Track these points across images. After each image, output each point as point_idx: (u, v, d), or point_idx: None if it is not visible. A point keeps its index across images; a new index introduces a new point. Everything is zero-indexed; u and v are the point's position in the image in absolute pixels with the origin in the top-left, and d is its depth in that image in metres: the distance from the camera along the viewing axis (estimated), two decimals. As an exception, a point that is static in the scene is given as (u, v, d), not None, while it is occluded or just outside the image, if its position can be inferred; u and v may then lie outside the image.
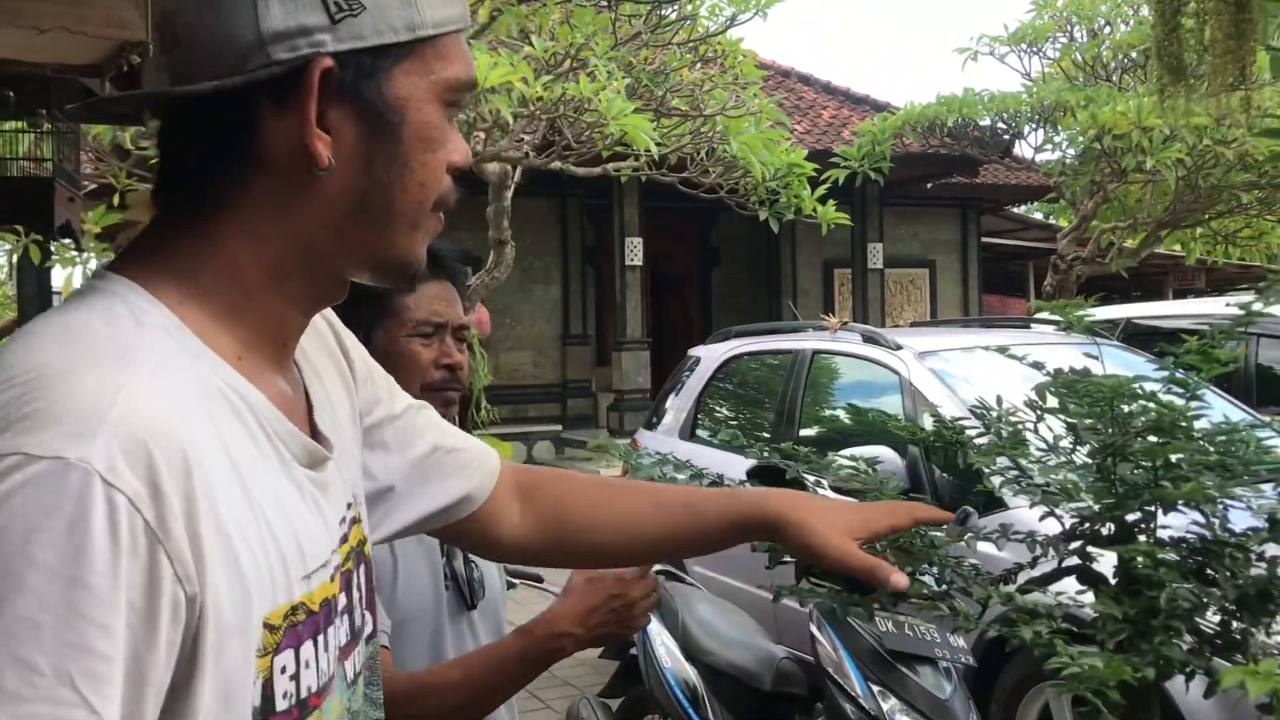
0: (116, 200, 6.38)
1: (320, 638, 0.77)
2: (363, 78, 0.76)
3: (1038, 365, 1.42)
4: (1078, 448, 1.65)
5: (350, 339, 1.00)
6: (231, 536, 0.68)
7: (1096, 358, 1.45)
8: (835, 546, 1.04)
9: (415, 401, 1.09)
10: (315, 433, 0.85)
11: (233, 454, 0.71)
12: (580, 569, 1.49)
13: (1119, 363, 3.88)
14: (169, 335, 0.73)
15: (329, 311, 0.96)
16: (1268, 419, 3.32)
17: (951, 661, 2.92)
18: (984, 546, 1.70)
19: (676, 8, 7.95)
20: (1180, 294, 17.09)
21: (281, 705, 0.72)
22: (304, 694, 0.75)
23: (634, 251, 12.22)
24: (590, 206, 13.46)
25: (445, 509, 1.06)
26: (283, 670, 0.73)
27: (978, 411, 1.82)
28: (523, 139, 7.89)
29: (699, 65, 8.15)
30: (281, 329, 0.82)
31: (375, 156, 0.77)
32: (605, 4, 7.43)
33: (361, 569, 0.89)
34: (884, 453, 4.14)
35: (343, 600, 0.83)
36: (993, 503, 3.85)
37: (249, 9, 0.73)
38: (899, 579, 1.03)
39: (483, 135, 7.23)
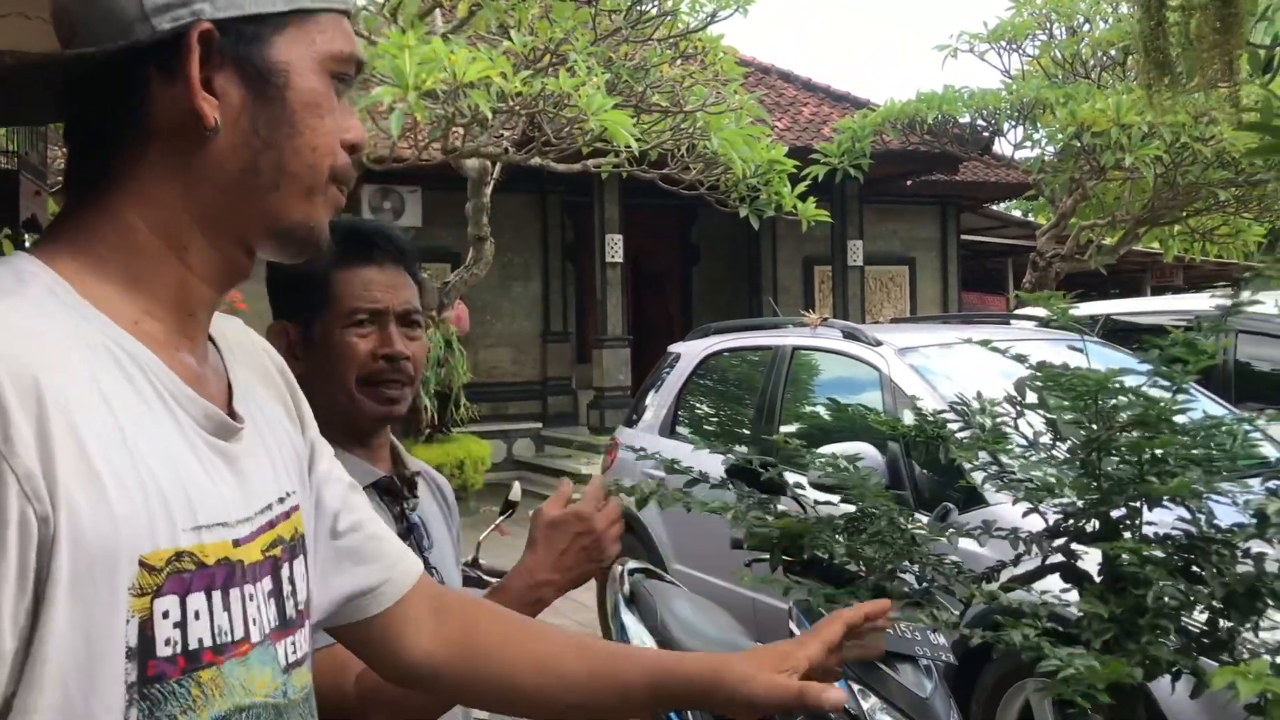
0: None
1: (217, 595, 0.78)
2: (244, 43, 0.80)
3: (1021, 358, 1.39)
4: (1057, 443, 1.63)
5: (295, 383, 1.01)
6: (100, 472, 0.71)
7: (1080, 350, 1.43)
8: (764, 685, 0.99)
9: (353, 480, 1.07)
10: (231, 413, 0.86)
11: (110, 401, 0.74)
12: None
13: (1099, 358, 3.87)
14: (52, 294, 0.76)
15: (275, 354, 1.00)
16: (1247, 415, 3.30)
17: (932, 659, 2.90)
18: (965, 543, 1.68)
19: (656, 3, 7.92)
20: (1158, 291, 17.18)
21: (164, 651, 0.74)
22: (193, 645, 0.76)
23: (614, 248, 12.18)
24: (570, 203, 13.41)
25: (354, 596, 1.01)
26: (165, 615, 0.74)
27: (958, 407, 1.80)
28: (502, 135, 7.84)
29: (679, 61, 8.11)
30: (185, 298, 0.83)
31: (261, 117, 0.81)
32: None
33: (298, 565, 0.90)
34: (864, 449, 4.12)
35: (267, 584, 0.84)
36: (973, 499, 3.83)
37: None
38: (832, 695, 0.97)
39: (461, 131, 7.18)
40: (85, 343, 0.75)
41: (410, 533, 1.52)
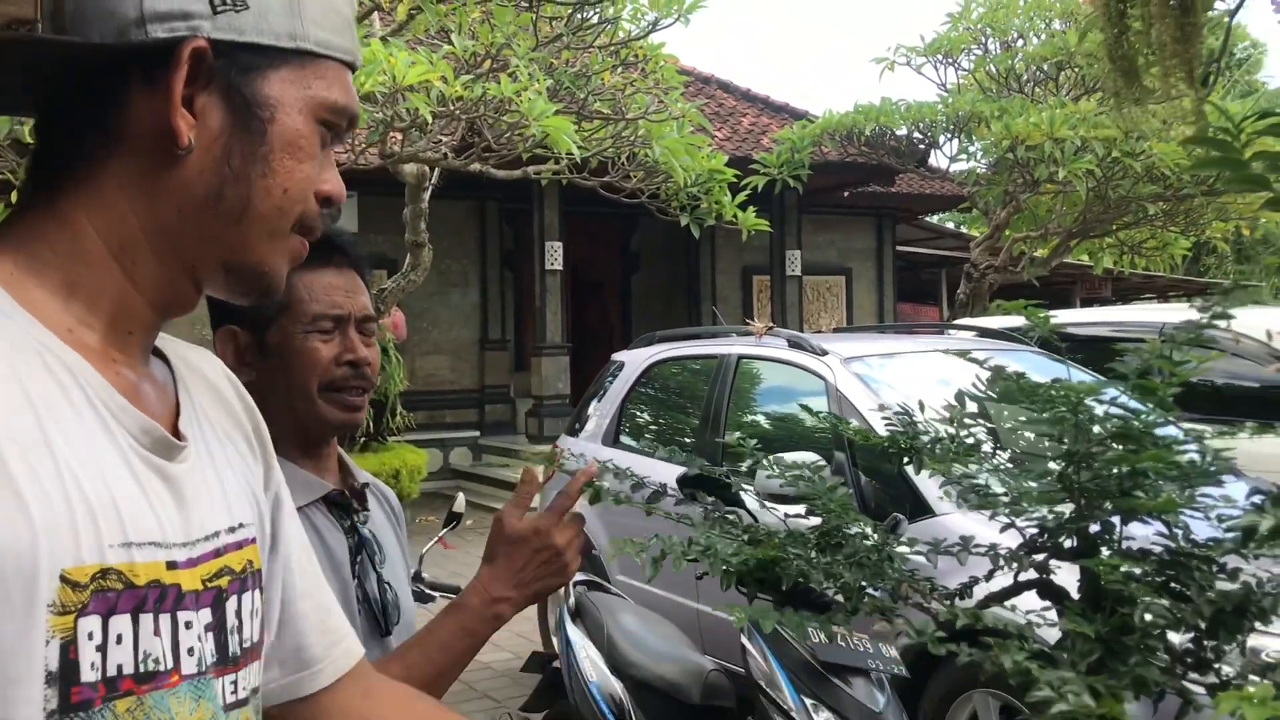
0: (15, 197, 6.09)
1: (146, 618, 0.73)
2: (237, 70, 0.78)
3: (999, 369, 1.36)
4: (998, 453, 1.60)
5: (264, 427, 0.97)
6: (17, 476, 0.67)
7: (1061, 362, 1.40)
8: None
9: (307, 542, 1.01)
10: (176, 432, 0.82)
11: (36, 404, 0.70)
12: None
13: (1039, 368, 3.90)
14: None
15: (244, 393, 0.96)
16: (1188, 428, 3.33)
17: (884, 672, 2.88)
18: (917, 556, 1.65)
19: (598, 11, 7.87)
20: (1087, 302, 17.53)
21: (89, 676, 0.69)
22: (111, 672, 0.70)
23: (554, 256, 12.11)
24: (509, 210, 13.33)
25: (290, 668, 0.95)
26: (89, 636, 0.69)
27: (902, 416, 1.77)
28: (441, 140, 7.74)
29: (621, 69, 8.08)
30: (123, 315, 0.80)
31: (237, 148, 0.79)
32: (526, 4, 7.32)
33: (246, 599, 0.85)
34: (811, 458, 4.11)
35: (207, 615, 0.79)
36: (920, 509, 3.84)
37: None
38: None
39: (400, 135, 7.07)
40: (10, 343, 0.71)
41: (362, 547, 1.45)
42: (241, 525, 0.85)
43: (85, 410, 0.73)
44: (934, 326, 7.63)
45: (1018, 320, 6.30)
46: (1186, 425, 1.85)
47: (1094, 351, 6.04)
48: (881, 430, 1.55)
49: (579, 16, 7.72)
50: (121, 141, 0.78)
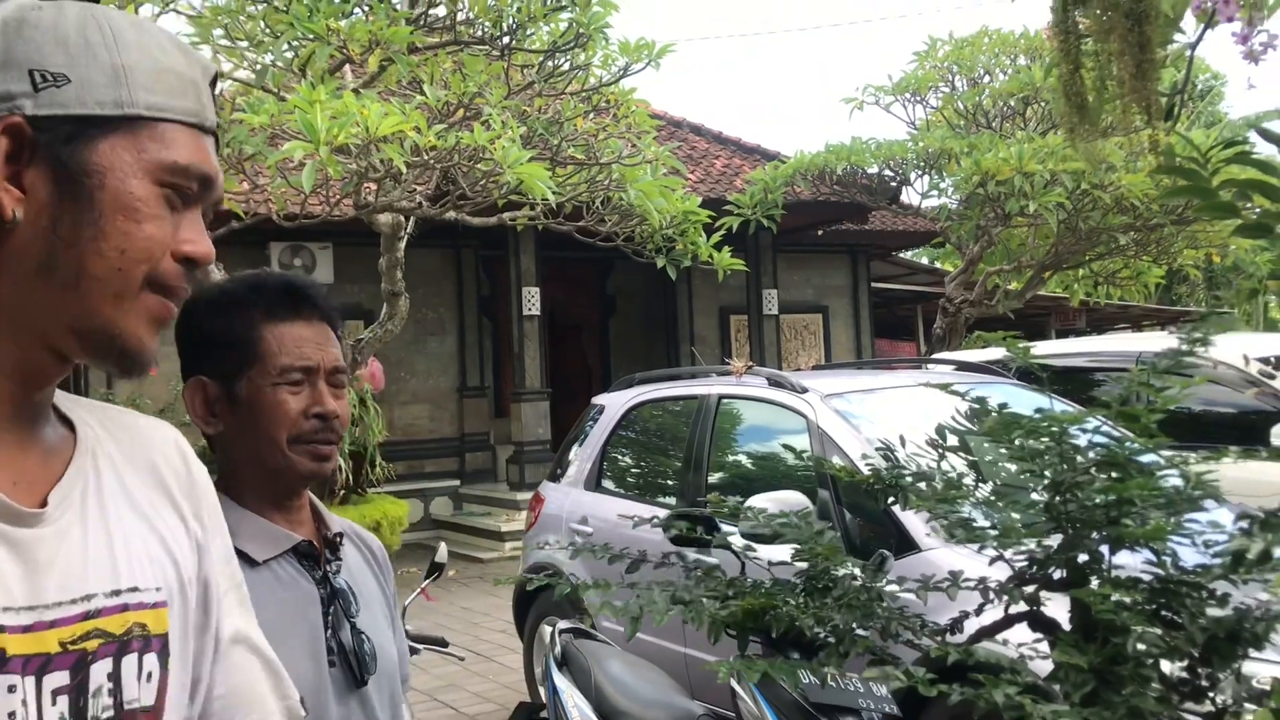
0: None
1: None
2: (59, 142, 0.81)
3: (980, 401, 1.36)
4: (979, 485, 1.60)
5: (205, 492, 0.97)
6: None
7: (1042, 392, 1.40)
8: None
9: (241, 634, 1.00)
10: (43, 501, 0.83)
11: None
12: None
13: (1018, 400, 3.91)
14: None
15: (189, 458, 0.97)
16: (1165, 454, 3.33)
17: (875, 711, 2.85)
18: (906, 593, 1.63)
19: (569, 58, 7.94)
20: (1063, 333, 17.66)
21: None
22: None
23: (531, 301, 12.11)
24: (485, 256, 13.33)
25: None
26: None
27: (882, 451, 1.76)
28: (415, 189, 7.75)
29: (593, 115, 8.13)
30: None
31: (64, 216, 0.81)
32: (498, 53, 7.37)
33: (128, 662, 0.84)
34: (795, 497, 4.10)
35: (61, 678, 0.79)
36: (905, 545, 3.82)
37: None
38: None
39: (374, 186, 7.08)
40: None
41: (334, 598, 1.43)
42: (135, 589, 0.85)
43: None
44: (912, 361, 7.66)
45: (996, 353, 6.33)
46: (1168, 452, 1.86)
47: (1072, 382, 6.07)
48: (864, 467, 1.54)
49: (550, 64, 7.78)
50: None
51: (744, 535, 2.90)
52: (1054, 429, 1.17)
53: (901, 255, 18.27)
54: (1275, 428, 5.17)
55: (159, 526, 0.91)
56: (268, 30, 6.40)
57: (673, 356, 14.69)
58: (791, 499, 4.08)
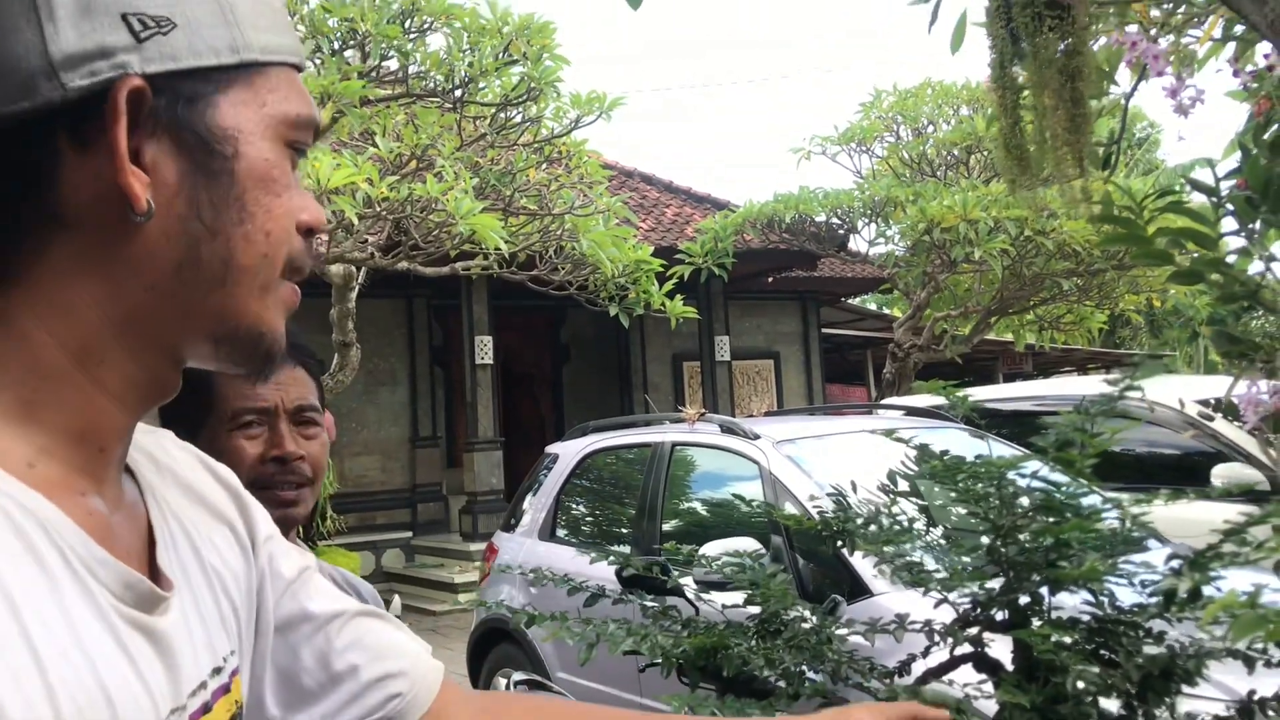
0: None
1: None
2: (182, 104, 0.65)
3: (923, 448, 1.40)
4: (930, 529, 1.64)
5: (243, 493, 0.86)
6: None
7: (983, 439, 1.44)
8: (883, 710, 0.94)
9: (357, 605, 0.92)
10: (154, 572, 0.70)
11: (7, 584, 0.56)
12: None
13: (965, 445, 3.98)
14: None
15: (215, 464, 0.84)
16: (1112, 496, 3.40)
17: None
18: (855, 636, 1.67)
19: (521, 110, 8.02)
20: (1010, 377, 17.93)
21: None
22: None
23: (484, 350, 12.10)
24: (437, 306, 13.32)
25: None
26: None
27: (835, 497, 1.80)
28: (367, 240, 7.76)
29: (545, 165, 8.21)
30: (95, 429, 0.66)
31: (204, 198, 0.65)
32: (450, 105, 7.44)
33: None
34: (748, 543, 4.12)
35: None
36: (858, 590, 3.86)
37: (33, 30, 0.61)
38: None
39: (326, 237, 7.09)
40: None
41: None
42: (226, 659, 0.75)
43: (61, 573, 0.60)
44: (862, 407, 7.75)
45: (942, 398, 6.38)
46: (1109, 494, 1.91)
47: (1019, 426, 6.17)
48: (814, 512, 1.58)
49: (503, 116, 7.86)
50: (59, 219, 0.63)
51: (697, 582, 2.93)
52: (992, 473, 1.21)
53: (851, 301, 18.49)
54: (1215, 468, 5.29)
55: (213, 560, 0.78)
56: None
57: (627, 404, 14.72)
58: (745, 546, 4.11)
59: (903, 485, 1.66)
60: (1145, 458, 6.08)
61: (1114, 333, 23.48)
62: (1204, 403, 5.68)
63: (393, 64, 7.30)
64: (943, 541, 1.58)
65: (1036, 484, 1.24)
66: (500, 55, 7.14)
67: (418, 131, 7.08)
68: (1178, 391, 5.90)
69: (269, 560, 0.86)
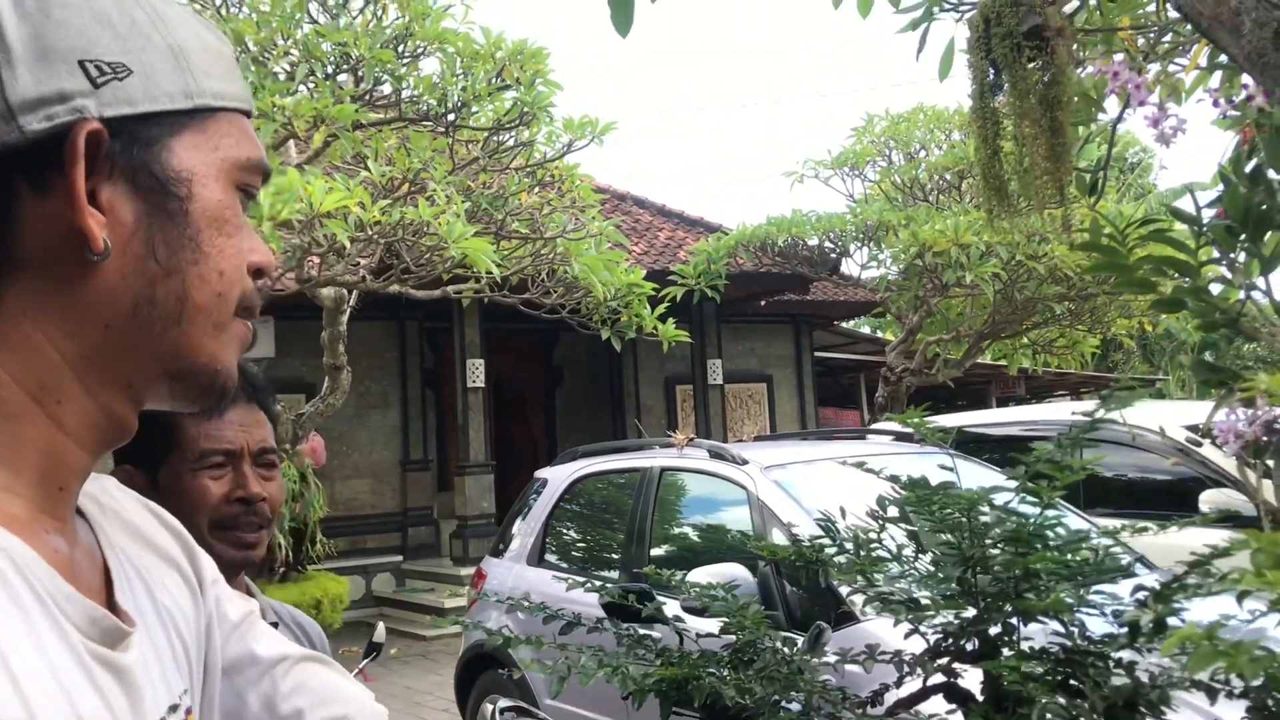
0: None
1: None
2: (138, 147, 0.67)
3: (894, 479, 1.41)
4: (919, 556, 1.64)
5: (188, 537, 0.87)
6: None
7: (950, 468, 1.45)
8: None
9: (301, 650, 0.93)
10: (114, 609, 0.71)
11: None
12: None
13: (958, 471, 3.98)
14: None
15: (160, 510, 0.85)
16: (1099, 521, 3.42)
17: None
18: (850, 665, 1.66)
19: (514, 134, 8.06)
20: (1003, 401, 17.95)
21: None
22: None
23: (476, 373, 12.10)
24: (429, 329, 13.32)
25: None
26: None
27: (823, 524, 1.80)
28: (359, 263, 7.77)
29: (537, 189, 8.24)
30: (55, 468, 0.67)
31: (160, 238, 0.67)
32: (443, 130, 7.47)
33: None
34: (735, 570, 4.12)
35: None
36: (844, 617, 3.85)
37: None
38: None
39: (317, 260, 7.10)
40: None
41: None
42: (180, 699, 0.75)
43: (34, 609, 0.61)
44: (854, 432, 7.74)
45: (934, 422, 6.41)
46: (1099, 521, 1.91)
47: (1009, 450, 6.18)
48: (803, 538, 1.58)
49: (495, 140, 7.89)
50: (17, 262, 0.65)
51: (684, 608, 2.92)
52: (962, 504, 1.22)
53: (844, 325, 18.53)
54: (1203, 495, 5.29)
55: (165, 600, 0.79)
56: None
57: (619, 427, 14.71)
58: (732, 572, 4.10)
59: (893, 511, 1.66)
60: (1137, 483, 6.08)
61: (1106, 357, 23.53)
62: (1192, 428, 5.69)
63: (386, 88, 7.33)
64: (928, 569, 1.58)
65: (1006, 515, 1.24)
66: (493, 80, 7.17)
67: (410, 155, 7.10)
68: (1169, 417, 5.91)
69: (216, 602, 0.87)
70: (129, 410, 0.71)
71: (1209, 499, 5.23)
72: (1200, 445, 5.51)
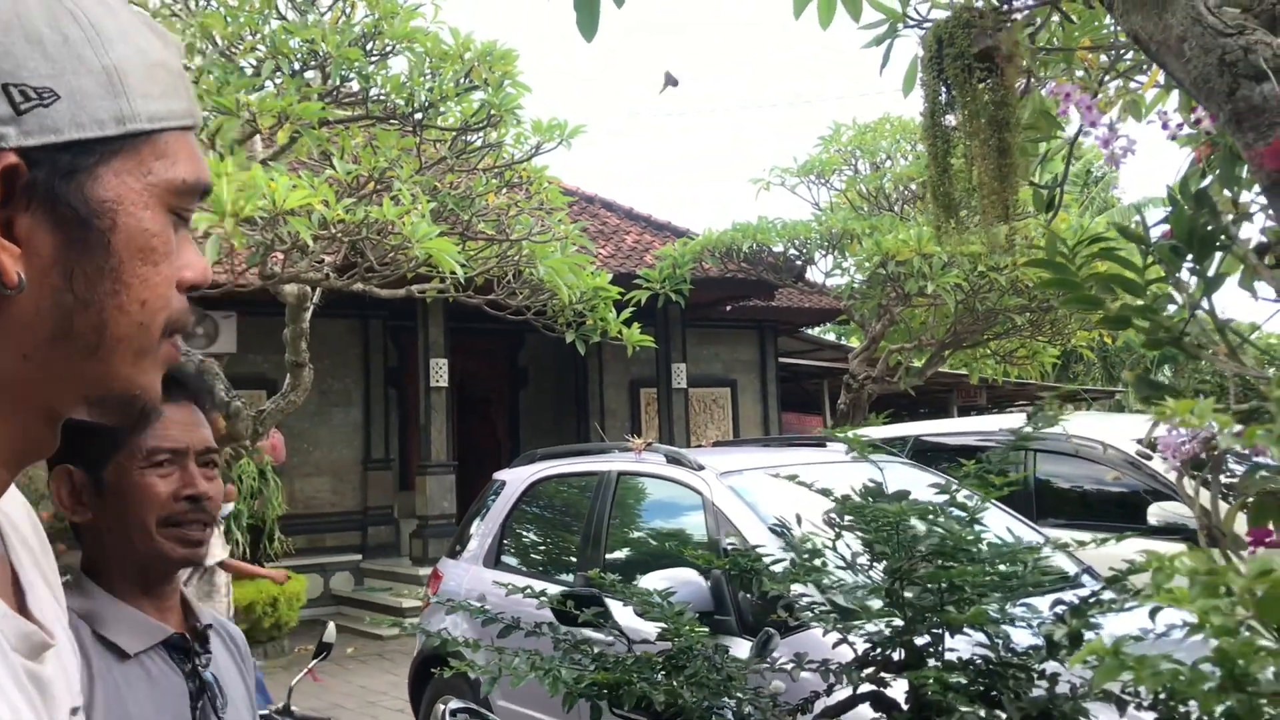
0: None
1: None
2: (59, 177, 0.64)
3: (826, 492, 1.44)
4: (874, 564, 1.68)
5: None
6: None
7: (880, 482, 1.48)
8: None
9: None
10: (28, 617, 0.71)
11: None
12: None
13: (908, 480, 4.03)
14: None
15: (38, 523, 0.84)
16: (1049, 532, 3.48)
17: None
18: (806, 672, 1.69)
19: (481, 135, 8.05)
20: (964, 410, 18.11)
21: None
22: None
23: (439, 373, 12.06)
24: (393, 327, 13.27)
25: None
26: None
27: (777, 530, 1.82)
28: (323, 260, 7.74)
29: (505, 191, 8.23)
30: None
31: (79, 270, 0.66)
32: (410, 129, 7.45)
33: None
34: (688, 574, 4.14)
35: None
36: (797, 623, 3.89)
37: None
38: None
39: (281, 257, 7.06)
40: None
41: (203, 692, 1.43)
42: (77, 698, 0.76)
43: None
44: (813, 440, 7.80)
45: (892, 430, 6.48)
46: (1052, 533, 1.95)
47: (963, 459, 6.25)
48: (735, 548, 1.60)
49: (462, 140, 7.88)
50: None
51: (637, 613, 2.95)
52: (890, 518, 1.25)
53: (808, 331, 18.62)
54: (1151, 507, 5.38)
55: (63, 600, 0.79)
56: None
57: (583, 430, 14.72)
58: (685, 576, 4.12)
59: (849, 519, 1.69)
60: (1091, 495, 6.17)
61: (1067, 368, 23.78)
62: (1140, 441, 5.78)
63: (353, 86, 7.31)
64: (881, 577, 1.61)
65: (932, 528, 1.27)
66: (461, 81, 7.17)
67: (376, 154, 7.09)
68: (1128, 430, 6.00)
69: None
70: (48, 431, 0.71)
71: (1157, 511, 5.32)
72: (1150, 459, 5.60)
